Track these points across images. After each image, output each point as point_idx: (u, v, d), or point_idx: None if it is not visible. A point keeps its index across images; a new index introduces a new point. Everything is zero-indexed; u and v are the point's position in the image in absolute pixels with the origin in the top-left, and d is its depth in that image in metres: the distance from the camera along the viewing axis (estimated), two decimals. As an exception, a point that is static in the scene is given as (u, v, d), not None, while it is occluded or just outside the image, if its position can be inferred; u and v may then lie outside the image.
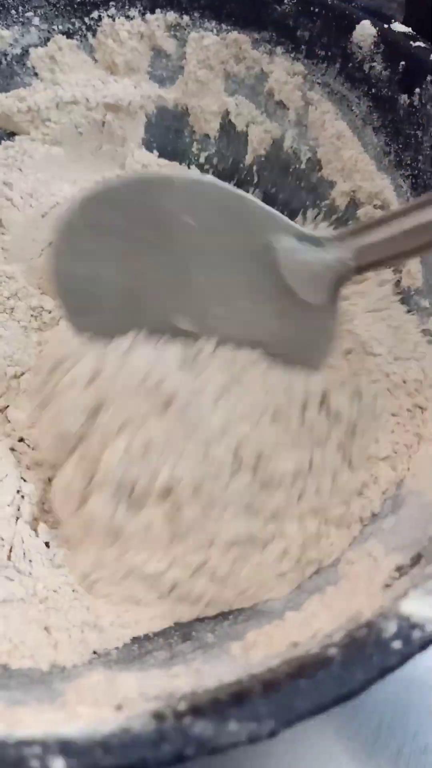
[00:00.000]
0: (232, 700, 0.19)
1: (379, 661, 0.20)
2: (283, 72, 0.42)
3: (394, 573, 0.25)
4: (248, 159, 0.45)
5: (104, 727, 0.18)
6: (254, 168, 0.45)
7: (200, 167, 0.46)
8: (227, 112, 0.44)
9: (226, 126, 0.45)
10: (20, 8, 0.43)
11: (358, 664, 0.20)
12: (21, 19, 0.43)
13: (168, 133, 0.45)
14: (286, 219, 0.30)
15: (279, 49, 0.42)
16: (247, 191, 0.43)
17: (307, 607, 0.26)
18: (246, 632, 0.26)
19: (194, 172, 0.37)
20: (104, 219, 0.30)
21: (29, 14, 0.43)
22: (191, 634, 0.28)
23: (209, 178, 0.32)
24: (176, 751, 0.18)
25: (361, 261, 0.28)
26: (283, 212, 0.43)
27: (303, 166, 0.43)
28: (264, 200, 0.43)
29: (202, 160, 0.45)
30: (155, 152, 0.45)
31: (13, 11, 0.43)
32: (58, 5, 0.43)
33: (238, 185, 0.44)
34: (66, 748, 0.18)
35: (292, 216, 0.44)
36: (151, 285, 0.31)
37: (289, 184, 0.44)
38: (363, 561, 0.27)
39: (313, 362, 0.31)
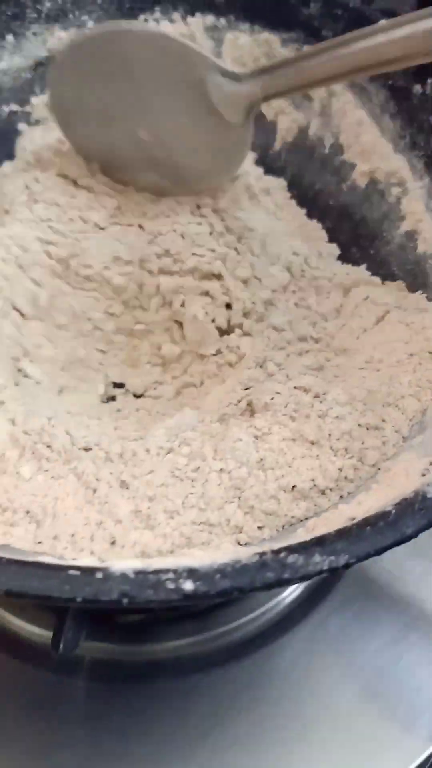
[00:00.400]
0: (315, 543, 0.25)
1: (426, 514, 0.26)
2: (309, 68, 0.48)
3: (429, 466, 0.30)
4: (277, 145, 0.51)
5: (220, 559, 0.24)
6: (282, 154, 0.51)
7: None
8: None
9: (257, 116, 0.50)
10: (77, 12, 0.49)
11: (409, 516, 0.26)
12: (77, 22, 0.49)
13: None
14: (215, 61, 0.40)
15: (306, 48, 0.48)
16: (276, 175, 0.50)
17: (357, 498, 0.32)
18: (306, 522, 0.31)
19: (151, 25, 0.48)
20: (86, 58, 0.41)
21: (84, 17, 0.49)
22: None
23: (161, 30, 0.44)
24: (276, 576, 0.24)
25: (266, 92, 0.39)
26: (308, 194, 0.50)
27: (326, 150, 0.49)
28: (291, 183, 0.49)
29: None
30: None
31: (70, 15, 0.48)
32: (109, 10, 0.49)
33: (268, 170, 0.50)
34: (192, 573, 0.24)
35: (317, 196, 0.50)
36: (119, 104, 0.41)
37: (314, 167, 0.50)
38: (400, 465, 0.33)
39: (232, 165, 0.44)
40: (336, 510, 0.31)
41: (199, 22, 0.49)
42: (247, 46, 0.49)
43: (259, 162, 0.51)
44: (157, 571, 0.24)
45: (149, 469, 0.34)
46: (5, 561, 0.23)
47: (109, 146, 0.43)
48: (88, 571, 0.23)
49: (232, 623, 0.40)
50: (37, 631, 0.39)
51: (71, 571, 0.23)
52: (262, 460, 0.35)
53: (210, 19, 0.49)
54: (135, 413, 0.40)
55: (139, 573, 0.23)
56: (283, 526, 0.33)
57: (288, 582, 0.24)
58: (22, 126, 0.49)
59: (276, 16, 0.48)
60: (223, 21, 0.49)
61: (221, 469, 0.34)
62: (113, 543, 0.32)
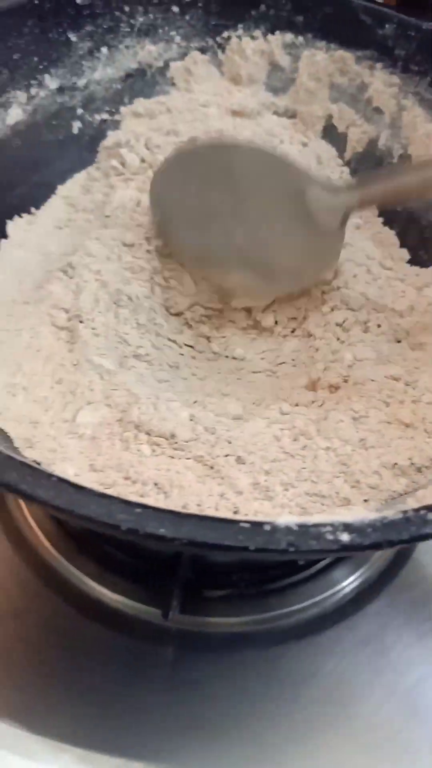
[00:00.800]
0: (446, 504, 0.28)
1: None
2: (381, 84, 0.52)
3: None
4: (347, 155, 0.54)
5: (370, 516, 0.27)
6: (352, 163, 0.54)
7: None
8: (330, 116, 0.54)
9: (329, 128, 0.54)
10: (166, 28, 0.52)
11: None
12: (165, 37, 0.52)
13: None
14: (314, 174, 0.44)
15: (378, 65, 0.51)
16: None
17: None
18: (415, 494, 0.34)
19: (256, 142, 0.50)
20: (190, 165, 0.45)
21: (173, 33, 0.52)
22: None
23: (266, 147, 0.46)
24: (419, 531, 0.27)
25: (360, 204, 0.43)
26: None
27: (395, 160, 0.53)
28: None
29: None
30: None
31: (160, 30, 0.52)
32: (196, 26, 0.52)
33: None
34: (348, 527, 0.26)
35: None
36: (218, 209, 0.44)
37: (382, 176, 0.53)
38: None
39: (320, 271, 0.45)
40: (434, 485, 0.34)
41: (278, 39, 0.53)
42: (322, 62, 0.52)
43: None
44: (316, 525, 0.26)
45: (261, 447, 0.37)
46: (185, 514, 0.26)
47: (203, 245, 0.45)
48: (257, 524, 0.26)
49: (309, 600, 0.43)
50: (129, 603, 0.42)
51: (242, 524, 0.26)
52: (363, 439, 0.38)
53: (289, 36, 0.53)
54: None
55: (301, 526, 0.26)
56: (386, 500, 0.36)
57: (429, 536, 0.27)
58: (110, 133, 0.52)
59: (351, 36, 0.51)
60: (301, 39, 0.53)
61: (327, 447, 0.37)
62: (236, 512, 0.35)
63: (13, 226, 0.48)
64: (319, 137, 0.54)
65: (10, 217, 0.49)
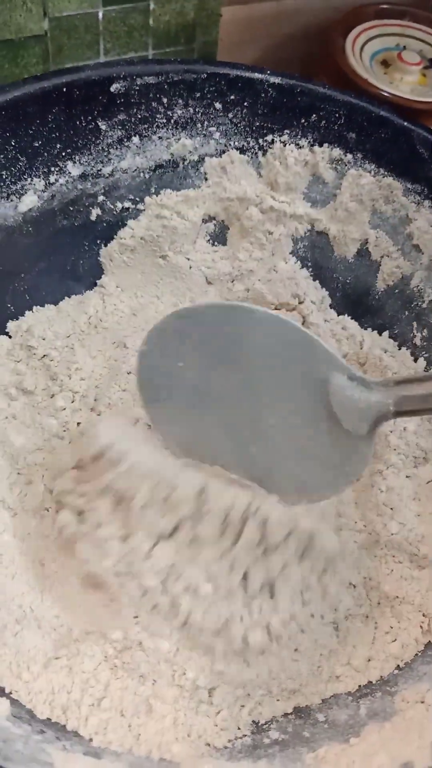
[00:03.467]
0: None
1: None
2: (426, 222, 0.47)
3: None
4: (378, 286, 0.50)
5: None
6: (380, 295, 0.50)
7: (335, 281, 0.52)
8: (366, 241, 0.50)
9: (363, 252, 0.50)
10: (205, 123, 0.48)
11: None
12: (204, 132, 0.49)
13: (314, 248, 0.51)
14: (342, 361, 0.35)
15: (427, 202, 0.46)
16: (372, 314, 0.49)
17: (366, 736, 0.33)
18: (318, 744, 0.33)
19: (272, 311, 0.39)
20: (191, 330, 0.36)
21: (212, 129, 0.49)
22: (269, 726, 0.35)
23: (283, 317, 0.36)
24: None
25: (398, 408, 0.34)
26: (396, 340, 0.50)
27: (425, 305, 0.48)
28: (378, 328, 0.49)
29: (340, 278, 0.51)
30: (298, 263, 0.51)
31: (198, 125, 0.48)
32: (239, 125, 0.48)
33: (365, 309, 0.50)
34: None
35: (401, 346, 0.50)
36: (219, 387, 0.36)
37: (407, 318, 0.49)
38: (417, 707, 0.34)
39: (343, 481, 0.37)
40: (348, 746, 0.32)
41: (325, 152, 0.48)
42: (368, 186, 0.48)
43: (361, 293, 0.51)
44: None
45: None
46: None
47: (195, 433, 0.38)
48: None
49: None
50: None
51: None
52: None
53: (337, 152, 0.48)
54: None
55: None
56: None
57: None
58: (131, 222, 0.50)
59: (404, 166, 0.46)
60: (349, 157, 0.48)
61: None
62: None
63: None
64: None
65: (17, 305, 0.48)
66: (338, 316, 0.51)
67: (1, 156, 0.44)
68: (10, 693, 0.35)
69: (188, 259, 0.51)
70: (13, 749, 0.30)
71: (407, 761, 0.30)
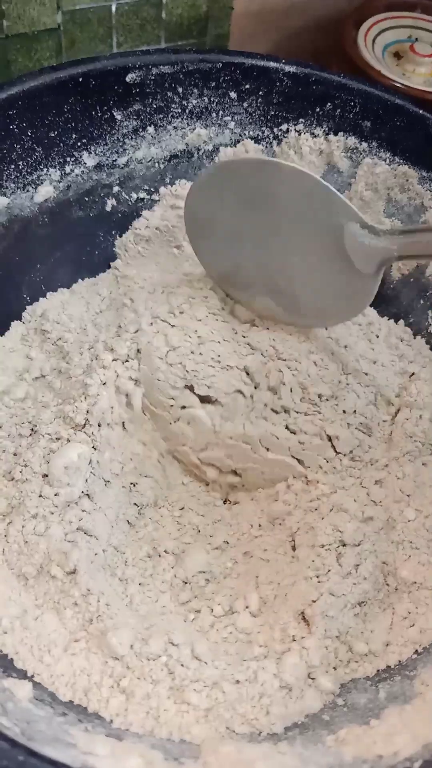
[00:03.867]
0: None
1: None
2: (442, 210, 0.47)
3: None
4: (393, 275, 0.50)
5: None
6: (395, 284, 0.50)
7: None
8: (382, 230, 0.50)
9: (378, 240, 0.50)
10: (220, 113, 0.48)
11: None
12: (219, 122, 0.49)
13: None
14: (356, 210, 0.39)
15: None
16: (387, 304, 0.49)
17: (386, 718, 0.33)
18: (338, 727, 0.33)
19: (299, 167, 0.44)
20: (229, 179, 0.41)
21: (227, 118, 0.49)
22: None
23: (307, 171, 0.40)
24: None
25: (401, 252, 0.39)
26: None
27: (440, 293, 0.48)
28: (395, 317, 0.49)
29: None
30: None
31: (213, 114, 0.48)
32: (253, 114, 0.49)
33: (380, 298, 0.49)
34: None
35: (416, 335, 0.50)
36: (252, 229, 0.42)
37: (422, 307, 0.49)
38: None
39: (353, 310, 0.43)
40: (368, 728, 0.32)
41: (340, 141, 0.48)
42: (383, 174, 0.48)
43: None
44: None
45: None
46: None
47: (232, 265, 0.43)
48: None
49: None
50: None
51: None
52: None
53: (352, 140, 0.48)
54: None
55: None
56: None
57: None
58: (146, 213, 0.50)
59: (419, 154, 0.46)
60: (365, 145, 0.48)
61: None
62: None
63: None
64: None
65: (32, 294, 0.48)
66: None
67: (18, 146, 0.44)
68: (33, 676, 0.35)
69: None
70: (36, 730, 0.30)
71: (429, 741, 0.30)
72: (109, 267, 0.51)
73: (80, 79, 0.44)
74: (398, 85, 0.58)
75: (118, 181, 0.49)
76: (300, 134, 0.49)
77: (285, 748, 0.32)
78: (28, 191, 0.46)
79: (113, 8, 0.58)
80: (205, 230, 0.43)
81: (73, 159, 0.46)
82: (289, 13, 0.66)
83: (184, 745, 0.33)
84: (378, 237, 0.39)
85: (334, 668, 0.37)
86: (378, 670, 0.37)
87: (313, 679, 0.36)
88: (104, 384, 0.43)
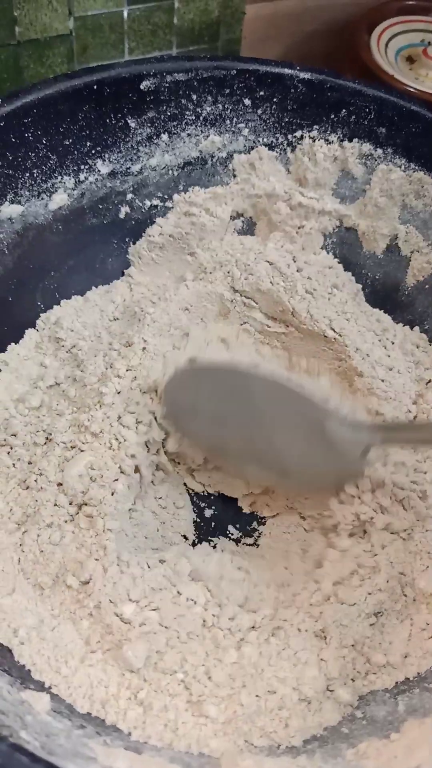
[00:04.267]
0: None
1: None
2: (457, 216, 0.47)
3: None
4: (408, 281, 0.50)
5: None
6: (411, 290, 0.50)
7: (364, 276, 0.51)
8: (396, 237, 0.50)
9: (393, 248, 0.50)
10: (234, 120, 0.48)
11: None
12: (232, 129, 0.49)
13: (342, 244, 0.51)
14: (336, 408, 0.40)
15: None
16: (402, 310, 0.49)
17: (407, 732, 0.33)
18: (358, 740, 0.33)
19: (275, 372, 0.45)
20: (206, 377, 0.43)
21: (241, 125, 0.49)
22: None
23: (285, 380, 0.41)
24: None
25: (384, 443, 0.41)
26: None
27: (456, 300, 0.48)
28: (410, 323, 0.49)
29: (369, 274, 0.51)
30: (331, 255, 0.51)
31: (227, 121, 0.48)
32: (267, 121, 0.48)
33: (395, 304, 0.50)
34: None
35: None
36: (234, 416, 0.42)
37: (439, 312, 0.49)
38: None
39: (341, 483, 0.42)
40: (388, 741, 0.32)
41: (355, 147, 0.48)
42: (398, 180, 0.47)
43: (391, 288, 0.51)
44: None
45: None
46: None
47: (218, 443, 0.43)
48: None
49: None
50: None
51: None
52: None
53: (367, 147, 0.48)
54: None
55: None
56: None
57: None
58: (160, 219, 0.50)
59: (435, 160, 0.46)
60: (379, 152, 0.48)
61: None
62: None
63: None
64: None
65: (45, 301, 0.48)
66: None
67: (33, 154, 0.44)
68: (50, 687, 0.35)
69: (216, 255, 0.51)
70: (56, 744, 0.30)
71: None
72: (122, 274, 0.50)
73: (95, 87, 0.44)
74: (411, 89, 0.58)
75: (131, 189, 0.49)
76: (314, 141, 0.48)
77: (304, 762, 0.32)
78: (42, 199, 0.46)
79: (125, 14, 0.58)
80: (185, 416, 0.43)
81: (87, 167, 0.46)
82: (301, 17, 0.66)
83: (203, 759, 0.33)
84: (359, 431, 0.40)
85: (353, 680, 0.37)
86: (396, 682, 0.37)
87: (331, 691, 0.36)
88: (119, 393, 0.43)
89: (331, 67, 0.63)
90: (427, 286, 0.49)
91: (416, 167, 0.47)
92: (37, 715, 0.32)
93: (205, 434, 0.43)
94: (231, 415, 0.42)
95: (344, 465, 0.41)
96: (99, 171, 0.47)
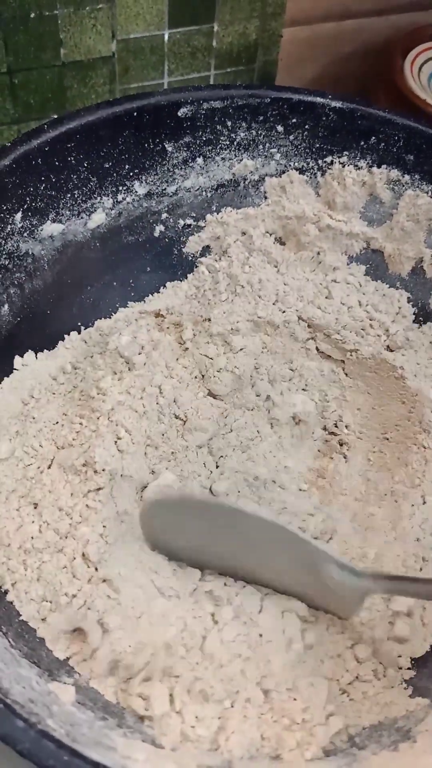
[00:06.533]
0: None
1: None
2: None
3: None
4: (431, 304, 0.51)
5: None
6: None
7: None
8: (421, 260, 0.51)
9: (417, 270, 0.51)
10: (267, 145, 0.50)
11: None
12: (265, 153, 0.51)
13: (367, 264, 0.53)
14: (333, 554, 0.39)
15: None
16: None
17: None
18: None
19: (264, 512, 0.43)
20: (187, 511, 0.41)
21: (273, 150, 0.51)
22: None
23: (273, 521, 0.39)
24: None
25: (384, 593, 0.39)
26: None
27: None
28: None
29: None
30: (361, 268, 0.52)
31: (260, 146, 0.50)
32: (299, 147, 0.50)
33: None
34: None
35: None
36: (221, 549, 0.41)
37: None
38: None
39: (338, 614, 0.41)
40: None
41: (383, 173, 0.49)
42: (425, 206, 0.49)
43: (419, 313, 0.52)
44: None
45: None
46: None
47: (203, 564, 0.42)
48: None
49: None
50: None
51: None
52: None
53: (395, 173, 0.49)
54: None
55: None
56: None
57: None
58: (192, 238, 0.52)
59: (461, 188, 0.48)
60: (407, 178, 0.49)
61: None
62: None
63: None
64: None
65: (81, 313, 0.50)
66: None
67: (74, 176, 0.47)
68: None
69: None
70: (79, 733, 0.32)
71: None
72: (154, 291, 0.52)
73: (134, 114, 0.47)
74: (442, 114, 0.59)
75: (166, 209, 0.51)
76: (344, 166, 0.50)
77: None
78: (82, 218, 0.48)
79: (166, 37, 0.60)
80: (168, 540, 0.42)
81: (125, 188, 0.49)
82: (337, 40, 0.68)
83: (216, 756, 0.35)
84: (360, 578, 0.39)
85: None
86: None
87: None
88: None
89: (366, 90, 0.65)
90: (450, 308, 0.51)
91: (443, 193, 0.49)
92: (63, 706, 0.34)
93: (190, 559, 0.42)
94: (217, 543, 0.41)
95: (340, 605, 0.40)
96: (136, 192, 0.49)
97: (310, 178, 0.51)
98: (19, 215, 0.45)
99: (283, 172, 0.51)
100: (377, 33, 0.68)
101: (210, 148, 0.50)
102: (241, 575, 0.42)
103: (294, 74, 0.67)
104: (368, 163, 0.50)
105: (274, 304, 0.50)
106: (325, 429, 0.50)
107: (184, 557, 0.42)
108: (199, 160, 0.50)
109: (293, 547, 0.39)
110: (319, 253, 0.52)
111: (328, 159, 0.50)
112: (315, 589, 0.40)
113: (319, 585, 0.39)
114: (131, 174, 0.49)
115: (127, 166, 0.48)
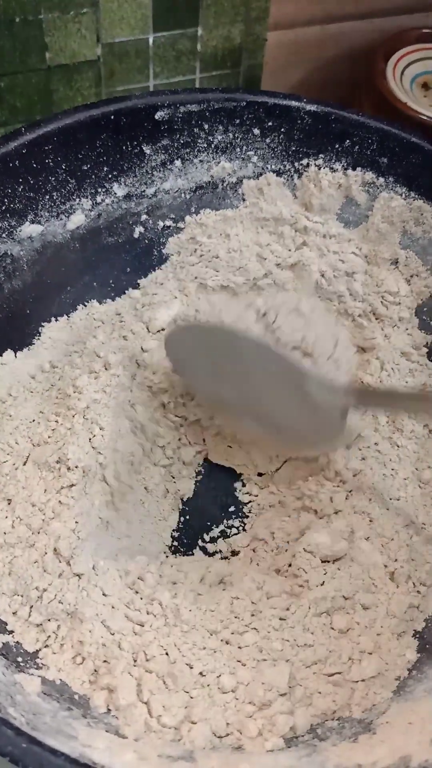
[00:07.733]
0: None
1: None
2: (455, 244, 0.49)
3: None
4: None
5: None
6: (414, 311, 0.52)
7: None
8: (397, 261, 0.52)
9: (393, 272, 0.52)
10: (244, 147, 0.51)
11: None
12: (242, 156, 0.51)
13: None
14: (315, 372, 0.44)
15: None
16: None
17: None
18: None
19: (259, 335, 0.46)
20: (198, 337, 0.46)
21: (250, 153, 0.51)
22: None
23: (266, 343, 0.44)
24: None
25: (357, 405, 0.44)
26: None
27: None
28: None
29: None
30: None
31: (237, 149, 0.51)
32: (275, 150, 0.51)
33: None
34: None
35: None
36: (227, 370, 0.45)
37: (437, 332, 0.51)
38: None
39: (324, 445, 0.47)
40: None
41: (358, 176, 0.50)
42: (399, 208, 0.50)
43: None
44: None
45: None
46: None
47: (217, 394, 0.46)
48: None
49: None
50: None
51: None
52: None
53: (369, 175, 0.50)
54: None
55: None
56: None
57: None
58: (172, 239, 0.53)
59: (434, 190, 0.48)
60: (381, 180, 0.50)
61: None
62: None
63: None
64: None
65: (60, 314, 0.51)
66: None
67: (53, 178, 0.48)
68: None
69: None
70: (41, 722, 0.33)
71: (405, 755, 0.32)
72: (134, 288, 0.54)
73: (112, 117, 0.47)
74: (423, 117, 0.59)
75: (146, 210, 0.52)
76: (320, 169, 0.51)
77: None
78: (61, 219, 0.49)
79: (150, 41, 0.61)
80: (187, 368, 0.47)
81: (104, 190, 0.50)
82: (322, 44, 0.68)
83: (178, 746, 0.36)
84: (335, 393, 0.43)
85: None
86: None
87: None
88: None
89: (350, 94, 0.66)
90: (425, 309, 0.51)
91: (416, 196, 0.49)
92: (27, 696, 0.35)
93: (204, 387, 0.47)
94: (225, 371, 0.45)
95: (326, 426, 0.44)
96: (115, 194, 0.50)
97: (287, 180, 0.52)
98: (-4, 216, 0.46)
99: (261, 175, 0.52)
100: (361, 36, 0.68)
101: (188, 150, 0.50)
102: (243, 407, 0.45)
103: (279, 78, 0.68)
104: (343, 165, 0.50)
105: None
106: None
107: (198, 386, 0.48)
108: (178, 162, 0.51)
109: (286, 369, 0.43)
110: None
111: (304, 161, 0.51)
112: (303, 418, 0.44)
113: (306, 410, 0.43)
114: (110, 176, 0.49)
115: (105, 168, 0.49)
